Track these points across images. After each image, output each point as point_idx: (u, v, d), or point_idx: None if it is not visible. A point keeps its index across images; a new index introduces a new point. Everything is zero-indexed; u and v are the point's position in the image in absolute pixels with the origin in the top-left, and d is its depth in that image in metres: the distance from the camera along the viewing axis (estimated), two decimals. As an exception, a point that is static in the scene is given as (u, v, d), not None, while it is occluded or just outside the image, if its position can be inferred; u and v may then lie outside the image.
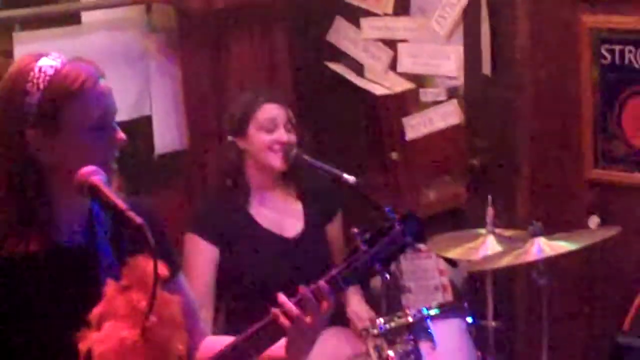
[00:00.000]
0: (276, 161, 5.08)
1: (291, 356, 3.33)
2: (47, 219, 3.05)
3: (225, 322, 5.14)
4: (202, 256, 5.04)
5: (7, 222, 3.04)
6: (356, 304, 5.14)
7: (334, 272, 3.39)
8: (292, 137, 5.10)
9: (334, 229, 5.35)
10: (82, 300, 2.94)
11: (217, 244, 5.06)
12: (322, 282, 3.31)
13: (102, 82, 3.08)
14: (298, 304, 3.25)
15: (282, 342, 3.32)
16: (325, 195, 5.32)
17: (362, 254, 3.41)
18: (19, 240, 3.02)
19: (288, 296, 3.36)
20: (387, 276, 3.67)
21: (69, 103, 2.99)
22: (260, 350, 3.28)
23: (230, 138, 5.13)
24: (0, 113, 3.06)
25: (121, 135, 3.05)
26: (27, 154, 3.02)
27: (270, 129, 5.07)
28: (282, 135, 5.07)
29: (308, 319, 3.24)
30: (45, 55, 3.08)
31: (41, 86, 2.99)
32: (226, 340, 3.40)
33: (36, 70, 3.01)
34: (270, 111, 5.11)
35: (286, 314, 3.23)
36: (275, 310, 3.25)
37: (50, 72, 3.01)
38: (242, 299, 5.02)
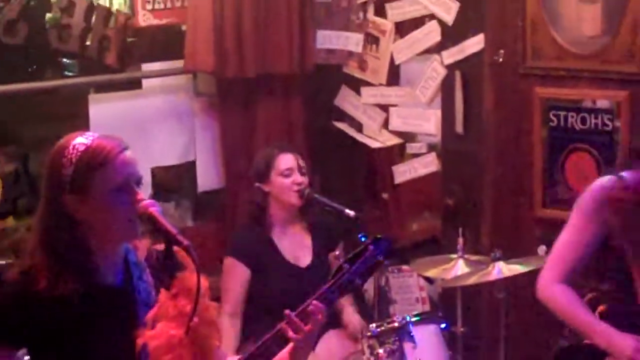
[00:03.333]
0: (294, 199, 5.08)
1: (294, 358, 3.33)
2: (83, 265, 3.04)
3: (243, 329, 5.11)
4: (238, 275, 5.05)
5: (40, 267, 3.04)
6: (350, 314, 5.12)
7: (324, 289, 3.38)
8: (305, 179, 5.11)
9: (334, 257, 5.25)
10: (122, 332, 2.95)
11: (250, 267, 5.06)
12: (315, 301, 3.29)
13: (126, 153, 3.06)
14: (299, 317, 3.24)
15: (287, 348, 3.33)
16: (328, 230, 5.30)
17: (345, 272, 3.41)
18: (55, 282, 3.00)
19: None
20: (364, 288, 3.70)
21: (94, 173, 3.00)
22: (270, 356, 3.28)
23: (256, 184, 5.13)
24: (44, 182, 3.11)
25: (141, 196, 3.01)
26: (65, 215, 3.03)
27: (288, 174, 5.08)
28: (298, 177, 5.08)
29: (307, 329, 3.24)
30: (81, 135, 3.10)
31: (73, 160, 3.02)
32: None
33: (70, 147, 3.03)
34: (287, 160, 5.11)
35: (291, 325, 3.23)
36: (283, 324, 3.25)
37: (81, 148, 3.03)
38: (261, 311, 5.00)
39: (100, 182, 3.00)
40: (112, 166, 3.01)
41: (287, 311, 3.27)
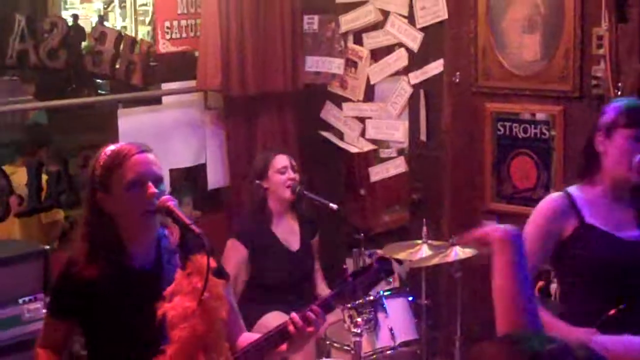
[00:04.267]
0: (287, 194, 5.08)
1: (292, 350, 3.30)
2: (117, 250, 3.07)
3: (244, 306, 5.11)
4: (238, 254, 5.01)
5: (81, 254, 3.09)
6: (323, 289, 5.11)
7: (327, 297, 3.32)
8: (297, 176, 5.11)
9: (315, 243, 5.32)
10: (148, 307, 2.94)
11: (248, 248, 5.04)
12: (316, 307, 3.21)
13: (142, 155, 3.06)
14: (302, 319, 3.17)
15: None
16: (312, 221, 5.31)
17: (348, 284, 3.34)
18: (95, 264, 3.05)
19: (295, 298, 3.35)
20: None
21: (113, 172, 3.03)
22: (274, 347, 3.23)
23: (257, 182, 5.12)
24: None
25: (152, 190, 2.99)
26: (97, 210, 3.08)
27: (283, 171, 5.07)
28: (291, 174, 5.08)
29: (308, 329, 3.18)
30: (114, 144, 3.15)
31: (101, 163, 3.06)
32: (254, 336, 3.35)
33: (102, 153, 3.08)
34: (281, 160, 5.11)
35: (295, 325, 3.17)
36: (287, 321, 3.19)
37: (108, 153, 3.07)
38: (260, 287, 5.00)
39: (118, 179, 3.02)
40: (126, 165, 3.02)
41: (292, 314, 3.20)
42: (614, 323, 3.24)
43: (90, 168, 3.13)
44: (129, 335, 3.05)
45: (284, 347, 3.24)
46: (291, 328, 3.17)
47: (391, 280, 4.60)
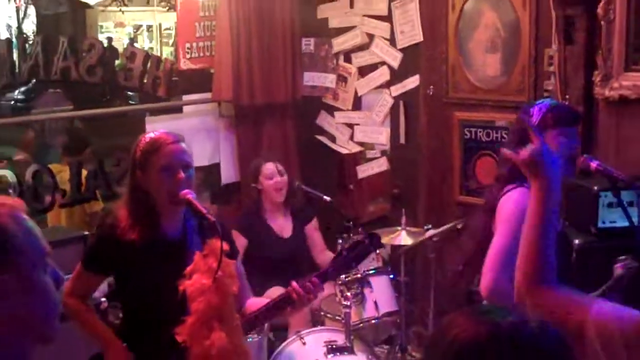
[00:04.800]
0: (276, 197, 5.09)
1: (295, 311, 3.35)
2: (151, 221, 3.07)
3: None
4: (238, 243, 5.02)
5: (120, 219, 3.08)
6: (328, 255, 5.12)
7: (325, 269, 3.35)
8: (285, 178, 5.09)
9: (311, 228, 5.29)
10: (176, 273, 2.96)
11: (247, 238, 5.05)
12: (315, 279, 3.23)
13: (177, 144, 3.06)
14: (302, 287, 3.20)
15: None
16: (303, 210, 5.29)
17: (343, 258, 3.36)
18: (134, 231, 3.06)
19: (293, 274, 3.35)
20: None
21: (148, 156, 3.04)
22: (280, 310, 3.26)
23: (252, 184, 5.15)
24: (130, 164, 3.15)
25: (181, 175, 3.01)
26: (137, 185, 3.07)
27: (271, 177, 5.07)
28: (278, 178, 5.07)
29: (308, 297, 3.20)
30: (153, 132, 3.15)
31: (141, 147, 3.07)
32: (260, 301, 3.38)
33: (142, 138, 3.09)
34: (269, 167, 5.09)
35: (296, 292, 3.19)
36: (289, 289, 3.21)
37: (147, 139, 3.08)
38: (259, 270, 4.97)
39: (154, 162, 3.03)
40: (162, 151, 3.03)
41: (293, 282, 3.22)
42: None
43: (132, 150, 3.12)
44: (157, 298, 3.05)
45: (287, 310, 3.26)
46: (294, 295, 3.19)
47: (378, 252, 4.59)
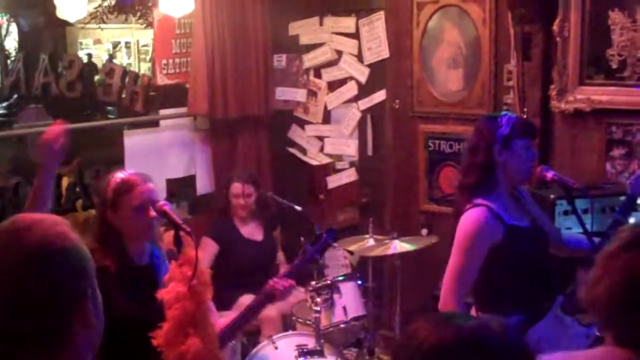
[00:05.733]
0: (241, 213, 5.15)
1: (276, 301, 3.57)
2: (117, 251, 3.11)
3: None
4: (210, 248, 5.04)
5: (91, 250, 3.05)
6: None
7: (293, 264, 3.60)
8: (248, 202, 5.14)
9: (276, 234, 5.37)
10: (148, 299, 2.98)
11: (218, 243, 5.06)
12: (284, 273, 3.54)
13: (146, 185, 3.12)
14: (280, 281, 3.50)
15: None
16: (272, 217, 5.33)
17: (307, 252, 3.49)
18: (99, 258, 3.02)
19: (263, 280, 3.50)
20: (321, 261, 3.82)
21: (122, 196, 3.09)
22: (261, 308, 3.50)
23: (224, 190, 5.22)
24: (97, 201, 3.23)
25: (152, 214, 3.07)
26: (107, 223, 3.13)
27: (237, 196, 5.12)
28: (241, 201, 5.12)
29: (289, 290, 3.49)
30: (122, 172, 3.21)
31: (112, 187, 3.12)
32: (227, 315, 3.59)
33: (113, 179, 3.14)
34: (236, 187, 5.14)
35: (279, 285, 3.48)
36: (270, 282, 3.49)
37: (118, 180, 3.13)
38: (231, 273, 4.95)
39: (126, 203, 3.09)
40: (134, 192, 3.09)
41: (271, 280, 3.52)
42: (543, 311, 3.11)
43: (101, 190, 3.18)
44: (132, 316, 3.04)
45: (265, 307, 3.53)
46: (278, 287, 3.47)
47: (336, 245, 4.61)
